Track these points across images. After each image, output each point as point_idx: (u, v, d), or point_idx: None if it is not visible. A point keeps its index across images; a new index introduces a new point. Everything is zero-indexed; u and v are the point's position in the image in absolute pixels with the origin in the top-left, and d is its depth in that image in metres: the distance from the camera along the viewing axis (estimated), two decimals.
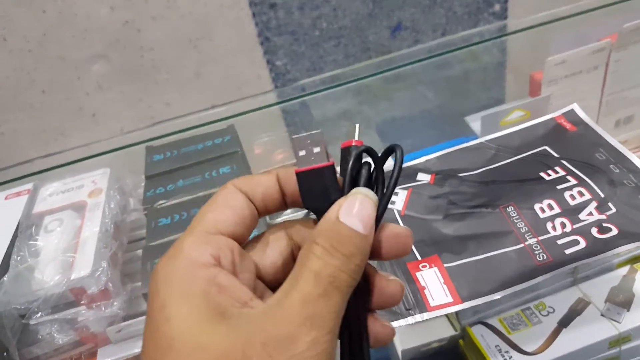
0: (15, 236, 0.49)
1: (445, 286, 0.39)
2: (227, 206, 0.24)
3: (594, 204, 0.41)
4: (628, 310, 0.41)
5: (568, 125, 0.50)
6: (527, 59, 0.69)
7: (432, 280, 0.39)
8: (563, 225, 0.40)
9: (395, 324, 0.37)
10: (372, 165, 0.25)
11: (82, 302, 0.44)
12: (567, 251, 0.38)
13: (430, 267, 0.40)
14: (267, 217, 0.48)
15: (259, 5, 0.72)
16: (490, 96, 0.81)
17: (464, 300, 0.37)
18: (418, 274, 0.40)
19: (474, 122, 0.64)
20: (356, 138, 0.25)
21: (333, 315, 0.21)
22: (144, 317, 0.37)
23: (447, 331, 0.44)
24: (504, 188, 0.45)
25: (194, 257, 0.22)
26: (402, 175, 0.49)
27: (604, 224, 0.39)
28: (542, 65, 0.54)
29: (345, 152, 0.25)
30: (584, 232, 0.39)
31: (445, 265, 0.40)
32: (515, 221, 0.42)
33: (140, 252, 0.51)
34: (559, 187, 0.43)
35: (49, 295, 0.43)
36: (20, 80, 0.70)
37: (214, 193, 0.25)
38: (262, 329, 0.20)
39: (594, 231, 0.39)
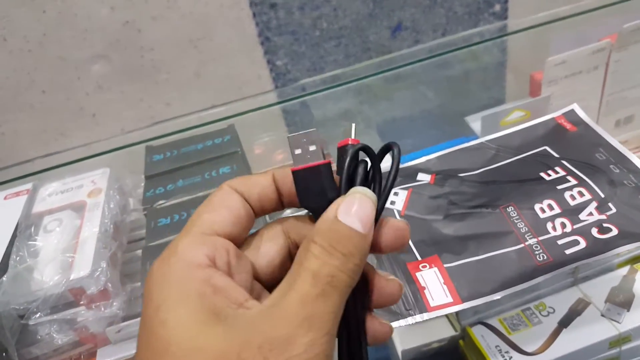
0: (14, 236, 0.49)
1: (445, 286, 0.38)
2: (223, 207, 0.24)
3: (594, 204, 0.41)
4: (628, 311, 0.41)
5: (568, 126, 0.50)
6: (528, 59, 0.69)
7: (432, 280, 0.39)
8: (563, 225, 0.40)
9: (395, 324, 0.37)
10: (369, 164, 0.25)
11: (82, 302, 0.44)
12: (567, 251, 0.38)
13: (430, 267, 0.40)
14: (267, 217, 0.48)
15: (259, 5, 0.72)
16: (490, 96, 0.81)
17: (464, 300, 0.37)
18: (418, 274, 0.40)
19: (474, 122, 0.64)
20: (352, 137, 0.25)
21: (331, 315, 0.20)
22: None
23: (447, 331, 0.44)
24: (504, 188, 0.45)
25: (189, 258, 0.22)
26: (402, 175, 0.49)
27: (604, 224, 0.39)
28: (542, 65, 0.54)
29: (342, 151, 0.25)
30: (584, 232, 0.39)
31: (446, 265, 0.40)
32: (516, 221, 0.42)
33: (139, 252, 0.51)
34: (559, 187, 0.43)
35: (48, 295, 0.43)
36: (20, 81, 0.70)
37: (211, 194, 0.25)
38: (259, 330, 0.20)
39: (594, 231, 0.39)
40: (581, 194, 0.42)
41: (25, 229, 0.49)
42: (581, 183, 0.43)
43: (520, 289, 0.37)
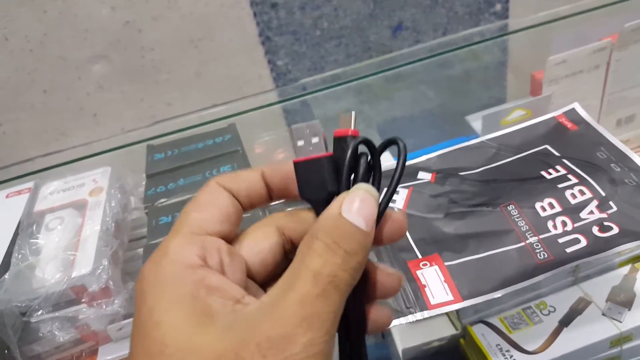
0: (16, 234, 0.49)
1: (446, 284, 0.39)
2: (211, 205, 0.24)
3: (595, 202, 0.41)
4: (629, 310, 0.41)
5: (569, 124, 0.50)
6: (528, 59, 0.69)
7: (432, 278, 0.39)
8: (564, 223, 0.40)
9: (395, 321, 0.37)
10: (369, 157, 0.24)
11: (83, 300, 0.44)
12: (568, 250, 0.38)
13: (431, 265, 0.40)
14: (260, 212, 0.48)
15: (260, 5, 0.72)
16: (491, 95, 0.81)
17: (464, 298, 0.37)
18: (419, 273, 0.40)
19: (475, 121, 0.64)
20: (352, 127, 0.24)
21: (331, 315, 0.20)
22: None
23: (448, 330, 0.44)
24: (505, 187, 0.45)
25: (180, 259, 0.22)
26: (403, 173, 0.49)
27: (605, 223, 0.39)
28: (543, 64, 0.54)
29: (341, 141, 0.24)
30: (585, 230, 0.39)
31: (446, 263, 0.40)
32: (516, 220, 0.42)
33: (141, 250, 0.51)
34: (559, 185, 0.43)
35: (50, 293, 0.43)
36: (21, 81, 0.70)
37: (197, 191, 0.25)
38: (257, 328, 0.20)
39: (595, 230, 0.39)
40: (582, 193, 0.42)
41: (27, 227, 0.50)
42: (582, 182, 0.43)
43: (521, 287, 0.38)
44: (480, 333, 0.42)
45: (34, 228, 0.49)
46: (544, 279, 0.38)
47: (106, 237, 0.48)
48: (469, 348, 0.43)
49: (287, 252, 0.26)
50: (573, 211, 0.41)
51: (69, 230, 0.48)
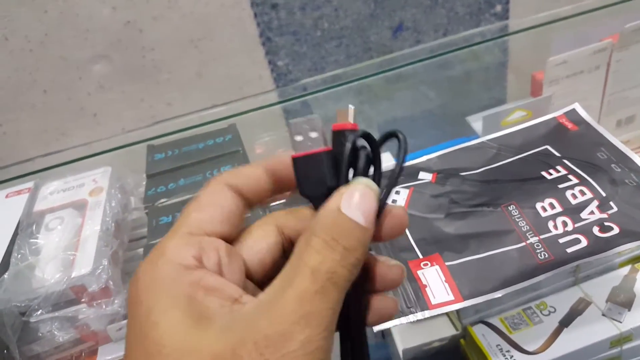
0: (15, 234, 0.49)
1: (446, 284, 0.38)
2: (212, 204, 0.24)
3: (595, 203, 0.41)
4: (629, 310, 0.41)
5: (569, 125, 0.50)
6: (529, 59, 0.69)
7: (433, 278, 0.39)
8: (564, 224, 0.40)
9: (396, 321, 0.37)
10: (369, 150, 0.24)
11: (83, 300, 0.44)
12: (569, 250, 0.38)
13: (432, 265, 0.40)
14: (260, 211, 0.48)
15: (260, 5, 0.72)
16: (491, 96, 0.81)
17: (465, 298, 0.37)
18: (419, 272, 0.40)
19: (476, 122, 0.63)
20: (351, 121, 0.24)
21: (329, 312, 0.20)
22: None
23: (448, 330, 0.44)
24: (506, 187, 0.45)
25: (177, 260, 0.21)
26: (404, 174, 0.49)
27: (606, 223, 0.39)
28: (543, 65, 0.54)
29: (339, 135, 0.23)
30: (586, 231, 0.39)
31: (447, 263, 0.40)
32: (517, 220, 0.42)
33: (141, 250, 0.51)
34: (560, 186, 0.43)
35: (50, 293, 0.43)
36: (21, 80, 0.70)
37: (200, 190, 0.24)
38: (254, 327, 0.19)
39: (596, 230, 0.39)
40: (582, 193, 0.42)
41: (26, 227, 0.50)
42: (582, 182, 0.43)
43: (521, 287, 0.37)
44: (481, 333, 0.42)
45: (34, 228, 0.49)
46: (544, 279, 0.38)
47: (106, 237, 0.48)
48: (469, 348, 0.43)
49: (286, 251, 0.25)
50: (573, 211, 0.41)
51: (68, 230, 0.48)
